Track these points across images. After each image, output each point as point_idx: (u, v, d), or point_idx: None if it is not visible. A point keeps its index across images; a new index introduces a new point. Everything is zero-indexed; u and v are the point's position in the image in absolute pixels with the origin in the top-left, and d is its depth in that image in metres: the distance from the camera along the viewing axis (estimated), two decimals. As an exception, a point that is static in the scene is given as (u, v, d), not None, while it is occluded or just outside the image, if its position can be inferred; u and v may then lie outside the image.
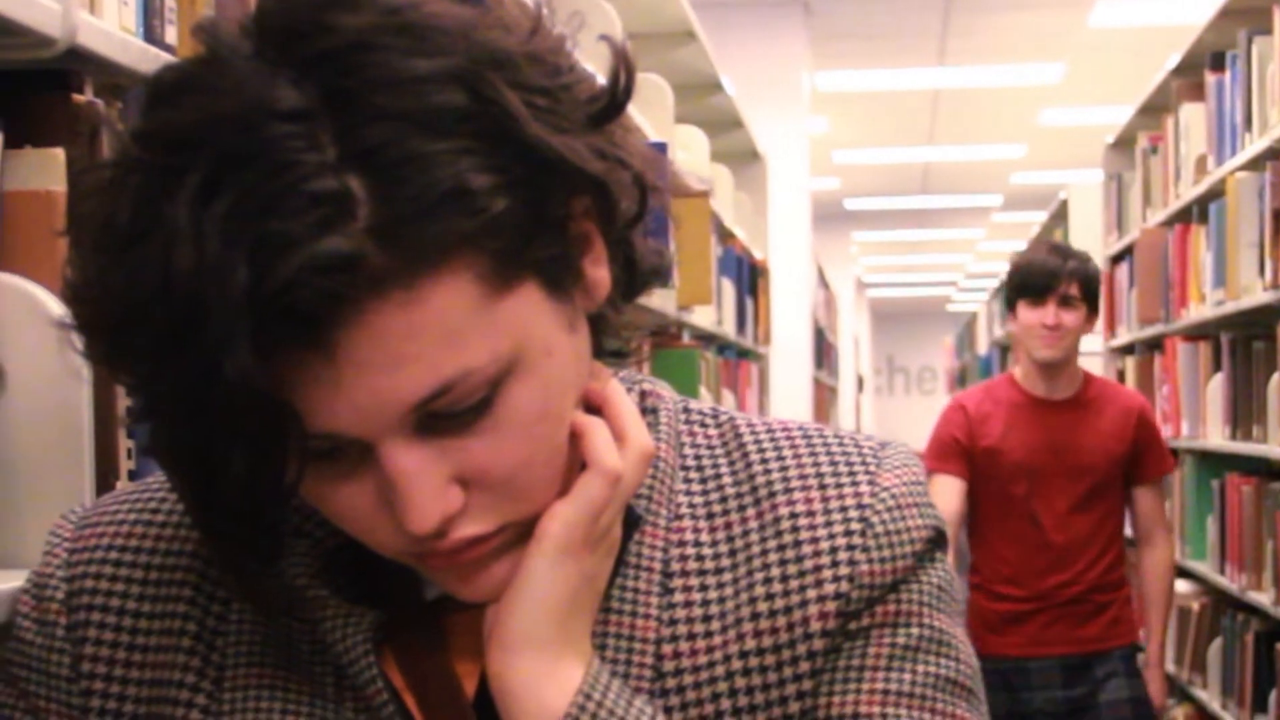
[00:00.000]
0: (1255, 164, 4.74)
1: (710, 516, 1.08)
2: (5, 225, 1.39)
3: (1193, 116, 5.70)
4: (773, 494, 1.07)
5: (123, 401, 1.41)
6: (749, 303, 7.22)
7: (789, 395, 8.92)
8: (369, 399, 0.92)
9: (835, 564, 1.05)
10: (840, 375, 16.84)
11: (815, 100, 10.81)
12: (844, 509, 1.06)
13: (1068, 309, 4.47)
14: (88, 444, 1.39)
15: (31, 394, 1.37)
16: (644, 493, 1.07)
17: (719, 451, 1.11)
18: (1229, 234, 4.91)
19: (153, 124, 0.92)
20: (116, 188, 0.92)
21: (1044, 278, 4.47)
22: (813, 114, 10.54)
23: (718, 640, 1.05)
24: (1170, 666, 5.78)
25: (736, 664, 1.04)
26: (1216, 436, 5.25)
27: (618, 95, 1.00)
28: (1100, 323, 5.56)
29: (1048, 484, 4.49)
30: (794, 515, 1.06)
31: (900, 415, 26.80)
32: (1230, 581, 5.14)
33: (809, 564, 1.05)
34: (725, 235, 6.41)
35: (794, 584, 1.05)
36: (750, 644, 1.04)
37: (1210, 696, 5.54)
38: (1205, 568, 5.49)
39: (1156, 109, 6.51)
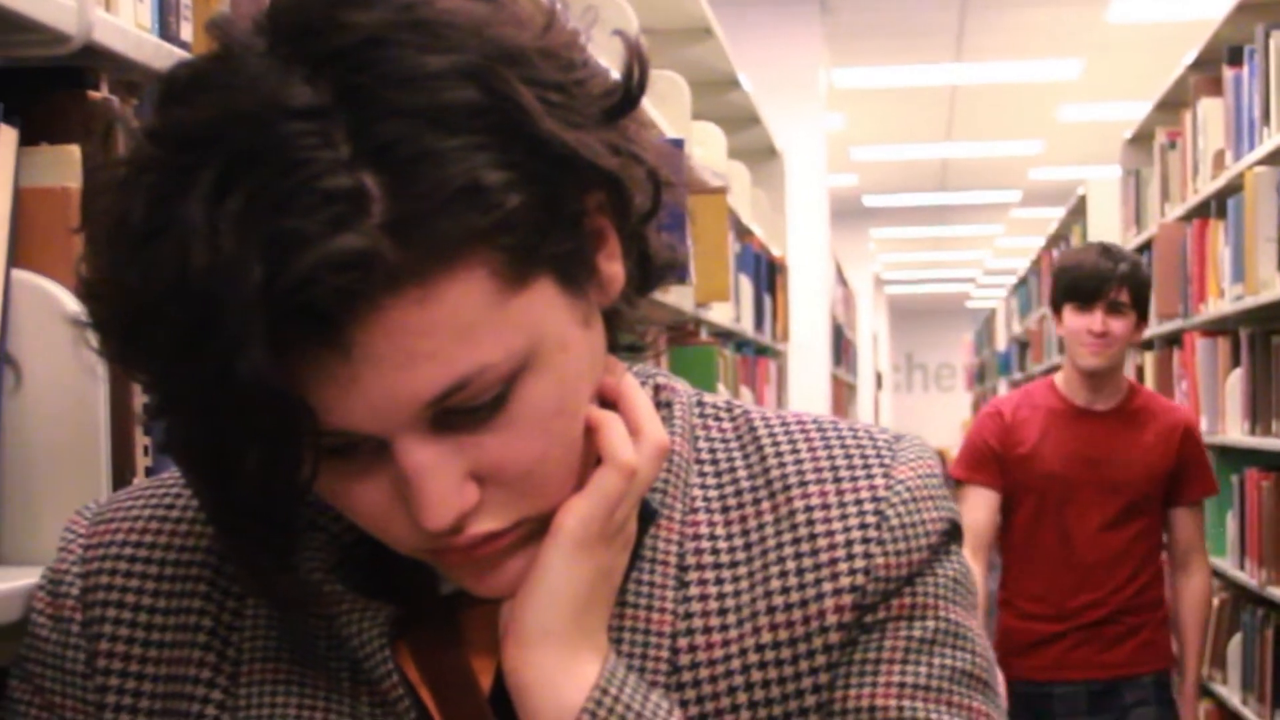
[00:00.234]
0: (1273, 159, 4.73)
1: (725, 510, 1.08)
2: (21, 222, 1.39)
3: (1210, 111, 5.69)
4: (787, 487, 1.07)
5: (139, 398, 1.41)
6: (767, 299, 7.21)
7: (807, 392, 8.91)
8: (384, 395, 0.91)
9: (851, 557, 1.05)
10: (859, 372, 16.82)
11: (832, 97, 10.80)
12: (859, 502, 1.06)
13: (1116, 316, 4.21)
14: (103, 441, 1.38)
15: (47, 391, 1.37)
16: (659, 487, 1.07)
17: (733, 445, 1.11)
18: (1247, 229, 4.90)
19: (166, 121, 0.92)
20: (131, 185, 0.92)
21: (1093, 281, 4.21)
22: (830, 110, 10.53)
23: (733, 634, 1.05)
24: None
25: (752, 657, 1.04)
26: (1235, 431, 5.23)
27: (631, 90, 1.00)
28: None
29: (1081, 498, 4.25)
30: (809, 508, 1.06)
31: (919, 412, 26.69)
32: (1250, 577, 5.12)
33: (824, 557, 1.05)
34: (743, 232, 6.41)
35: (809, 577, 1.05)
36: (766, 637, 1.04)
37: (1230, 692, 5.53)
38: (1225, 563, 5.47)
39: (1174, 104, 6.51)
